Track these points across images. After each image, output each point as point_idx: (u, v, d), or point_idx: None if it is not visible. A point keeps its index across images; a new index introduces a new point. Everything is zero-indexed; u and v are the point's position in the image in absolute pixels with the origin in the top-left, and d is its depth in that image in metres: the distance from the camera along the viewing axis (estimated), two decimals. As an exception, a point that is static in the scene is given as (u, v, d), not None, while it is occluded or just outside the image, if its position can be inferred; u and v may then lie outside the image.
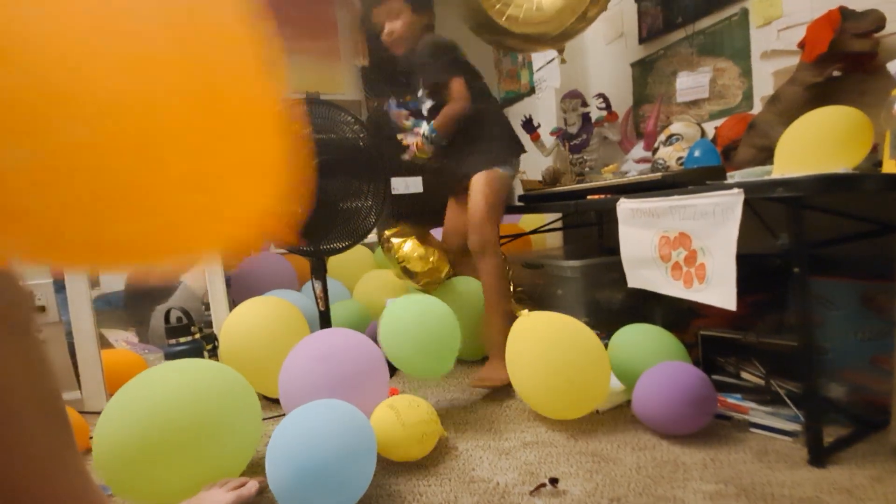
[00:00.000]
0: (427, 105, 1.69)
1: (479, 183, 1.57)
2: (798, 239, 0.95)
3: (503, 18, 1.74)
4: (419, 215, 1.92)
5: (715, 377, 1.24)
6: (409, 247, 1.65)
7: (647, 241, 1.21)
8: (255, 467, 1.09)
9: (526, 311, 1.32)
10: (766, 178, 1.06)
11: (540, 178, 2.10)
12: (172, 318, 1.64)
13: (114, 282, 2.03)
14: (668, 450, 1.06)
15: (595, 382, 1.18)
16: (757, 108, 1.57)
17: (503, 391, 1.45)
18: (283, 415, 1.03)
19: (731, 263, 0.99)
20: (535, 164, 2.27)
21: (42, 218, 0.28)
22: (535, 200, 1.89)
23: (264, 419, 1.19)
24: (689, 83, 1.78)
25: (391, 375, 1.29)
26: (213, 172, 0.33)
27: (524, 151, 1.71)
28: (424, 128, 1.60)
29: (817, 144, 1.04)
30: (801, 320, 0.97)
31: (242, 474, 0.99)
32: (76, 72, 0.27)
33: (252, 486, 0.92)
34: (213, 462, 0.93)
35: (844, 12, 1.21)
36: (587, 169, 2.09)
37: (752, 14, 1.56)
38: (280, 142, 0.35)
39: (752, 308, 1.27)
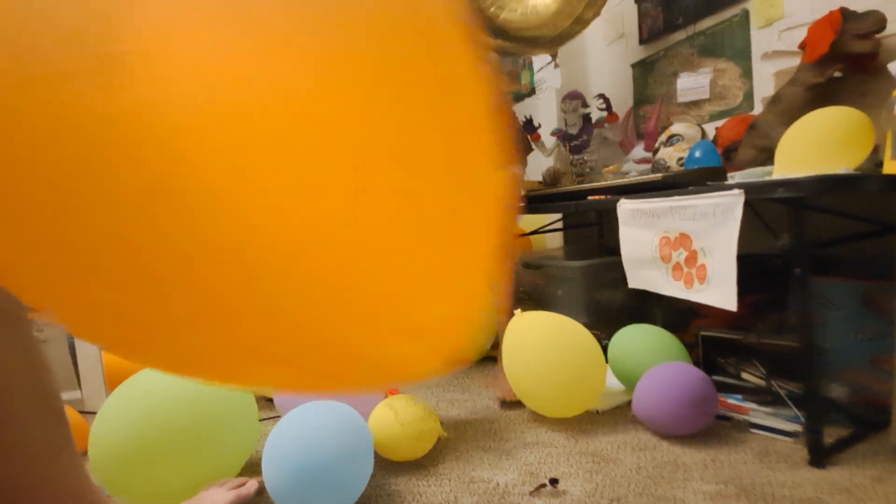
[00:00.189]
0: None
1: None
2: (799, 239, 0.95)
3: (498, 21, 1.74)
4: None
5: (715, 378, 1.24)
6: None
7: (647, 241, 1.21)
8: (253, 468, 1.09)
9: (519, 310, 1.31)
10: (767, 178, 1.06)
11: (540, 178, 2.10)
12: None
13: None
14: (668, 450, 1.06)
15: (591, 381, 1.18)
16: (758, 108, 1.57)
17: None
18: (280, 416, 1.03)
19: (732, 264, 0.99)
20: (535, 165, 2.26)
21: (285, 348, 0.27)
22: (535, 201, 1.89)
23: (261, 420, 1.19)
24: (690, 84, 1.78)
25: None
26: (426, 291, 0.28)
27: (531, 150, 1.71)
28: None
29: (818, 145, 1.04)
30: (801, 321, 0.97)
31: (239, 475, 0.99)
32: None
33: (252, 485, 0.92)
34: (209, 462, 0.93)
35: (845, 13, 1.21)
36: (587, 169, 2.09)
37: (753, 15, 1.56)
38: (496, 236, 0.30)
39: (753, 308, 1.27)
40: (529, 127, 2.17)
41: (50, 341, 1.50)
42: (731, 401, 1.17)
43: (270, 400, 1.43)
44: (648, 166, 1.75)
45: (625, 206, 1.27)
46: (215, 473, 0.93)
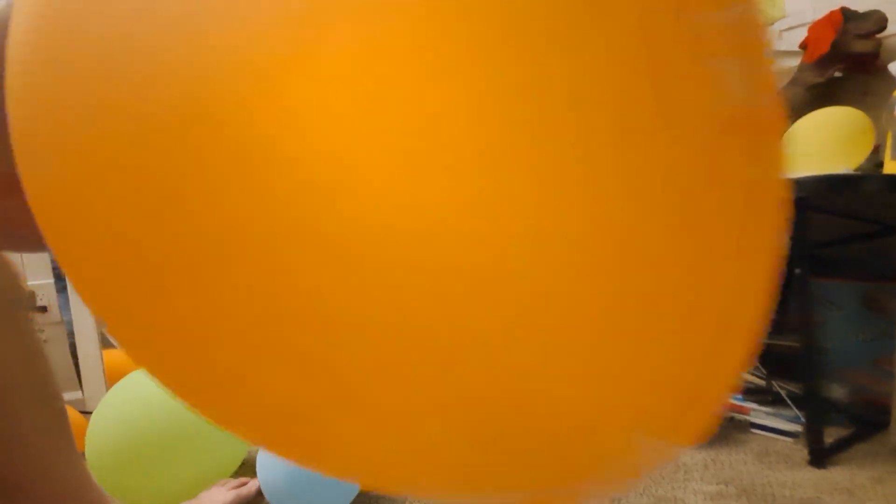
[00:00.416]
0: None
1: None
2: (799, 240, 0.95)
3: None
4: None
5: (716, 378, 1.23)
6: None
7: (647, 241, 1.21)
8: (250, 468, 1.09)
9: None
10: (767, 178, 1.06)
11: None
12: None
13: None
14: (668, 450, 1.06)
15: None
16: (758, 108, 1.57)
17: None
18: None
19: (732, 264, 0.99)
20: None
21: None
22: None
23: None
24: (691, 84, 1.78)
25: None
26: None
27: None
28: None
29: (819, 145, 1.04)
30: (802, 321, 0.97)
31: (235, 475, 0.99)
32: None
33: (253, 485, 0.92)
34: (204, 463, 0.93)
35: (846, 13, 1.21)
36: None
37: (754, 14, 1.56)
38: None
39: (753, 309, 1.27)
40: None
41: (50, 341, 1.50)
42: (731, 401, 1.17)
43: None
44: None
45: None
46: (210, 474, 0.93)
